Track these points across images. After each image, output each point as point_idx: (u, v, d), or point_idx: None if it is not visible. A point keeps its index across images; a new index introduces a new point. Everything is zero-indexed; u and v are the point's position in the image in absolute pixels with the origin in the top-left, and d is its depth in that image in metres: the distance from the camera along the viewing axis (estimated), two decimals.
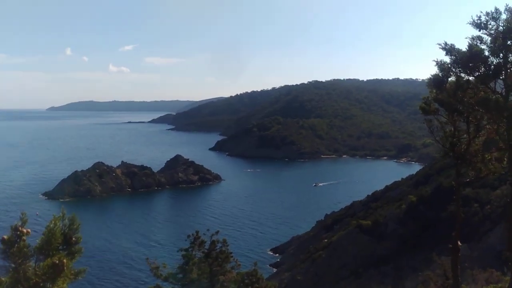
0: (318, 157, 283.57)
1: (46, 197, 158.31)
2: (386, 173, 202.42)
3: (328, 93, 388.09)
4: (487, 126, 9.15)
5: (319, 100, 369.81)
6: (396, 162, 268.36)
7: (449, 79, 8.88)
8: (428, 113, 10.42)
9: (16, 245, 4.26)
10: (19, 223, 4.34)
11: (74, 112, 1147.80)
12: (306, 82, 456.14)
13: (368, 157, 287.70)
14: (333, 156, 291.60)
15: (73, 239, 4.38)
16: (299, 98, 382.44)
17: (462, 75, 8.82)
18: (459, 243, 10.18)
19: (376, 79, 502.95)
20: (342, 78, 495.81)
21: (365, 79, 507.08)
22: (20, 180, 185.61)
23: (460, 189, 10.63)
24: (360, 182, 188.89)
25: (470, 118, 9.25)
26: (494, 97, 8.45)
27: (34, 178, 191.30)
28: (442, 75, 9.13)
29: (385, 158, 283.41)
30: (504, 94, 8.37)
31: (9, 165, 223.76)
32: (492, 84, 8.54)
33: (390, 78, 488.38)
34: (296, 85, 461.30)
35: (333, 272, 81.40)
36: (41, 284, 4.02)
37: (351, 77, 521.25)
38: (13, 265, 4.21)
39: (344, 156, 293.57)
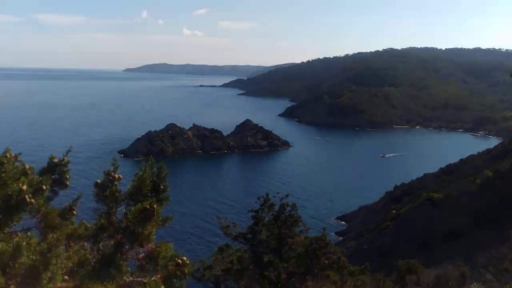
0: (390, 127, 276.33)
1: (122, 155, 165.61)
2: (461, 146, 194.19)
3: (403, 61, 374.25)
4: None
5: (394, 69, 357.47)
6: (473, 135, 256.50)
7: None
8: None
9: (109, 189, 4.42)
10: (112, 169, 4.50)
11: (148, 74, 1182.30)
12: (380, 49, 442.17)
13: (442, 128, 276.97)
14: (406, 126, 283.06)
15: (161, 187, 4.48)
16: (373, 65, 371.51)
17: None
18: None
19: (455, 48, 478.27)
20: (418, 46, 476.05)
21: (443, 48, 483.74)
22: (98, 138, 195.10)
23: None
24: (433, 154, 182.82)
25: None
26: None
27: (111, 136, 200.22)
28: None
29: (460, 130, 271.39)
30: None
31: (87, 123, 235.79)
32: None
33: (471, 47, 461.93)
34: (370, 52, 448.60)
35: (401, 244, 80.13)
36: (132, 228, 4.16)
37: (428, 46, 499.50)
38: (105, 208, 4.38)
39: (417, 127, 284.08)
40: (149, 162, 4.62)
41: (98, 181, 4.46)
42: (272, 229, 20.81)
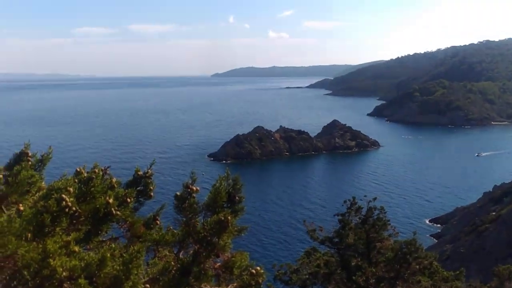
0: (487, 123, 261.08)
1: (212, 158, 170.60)
2: None
3: (501, 54, 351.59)
4: None
5: (491, 62, 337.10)
6: None
7: None
8: None
9: (187, 201, 4.66)
10: (190, 181, 4.74)
11: (235, 78, 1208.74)
12: (476, 42, 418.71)
13: None
14: (506, 122, 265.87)
15: (237, 198, 4.65)
16: (468, 59, 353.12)
17: None
18: None
19: None
20: None
21: None
22: (189, 141, 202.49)
23: None
24: None
25: None
26: None
27: (201, 140, 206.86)
28: None
29: None
30: None
31: (179, 127, 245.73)
32: None
33: None
34: (465, 45, 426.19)
35: (501, 248, 75.46)
36: (208, 238, 4.35)
37: None
38: (184, 219, 4.62)
39: None
40: (225, 173, 4.80)
41: (178, 193, 4.72)
42: (360, 233, 20.54)
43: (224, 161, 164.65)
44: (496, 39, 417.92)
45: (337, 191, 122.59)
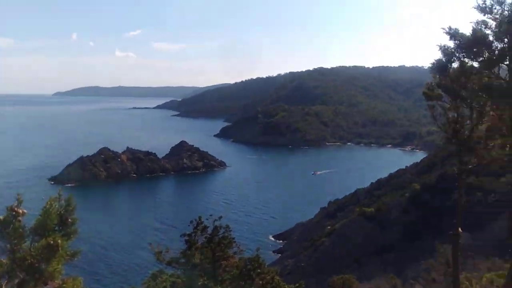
0: (323, 144, 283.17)
1: (53, 182, 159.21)
2: (390, 161, 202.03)
3: (333, 80, 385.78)
4: (491, 113, 9.04)
5: (325, 87, 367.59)
6: (401, 150, 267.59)
7: (453, 64, 8.77)
8: (431, 99, 10.33)
9: (12, 225, 4.25)
10: (15, 204, 4.34)
11: (79, 98, 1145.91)
12: (311, 68, 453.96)
13: (372, 144, 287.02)
14: (338, 143, 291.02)
15: (69, 220, 4.37)
16: (305, 85, 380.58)
17: (466, 60, 8.67)
18: (460, 230, 10.14)
19: (382, 66, 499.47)
20: (347, 65, 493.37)
21: (370, 66, 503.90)
22: (28, 164, 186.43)
23: (462, 176, 10.57)
24: (364, 170, 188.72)
25: (473, 104, 9.13)
26: (497, 83, 8.34)
27: (41, 163, 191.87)
28: (445, 60, 9.02)
29: (389, 146, 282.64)
30: (508, 79, 8.24)
31: (17, 149, 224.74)
32: (496, 70, 8.40)
33: (396, 65, 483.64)
34: (302, 71, 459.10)
35: (336, 260, 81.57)
36: (36, 265, 4.01)
37: (357, 64, 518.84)
38: (8, 246, 4.21)
39: (349, 143, 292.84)
40: (57, 194, 4.50)
41: (1, 217, 4.28)
42: (206, 252, 20.65)
43: (67, 184, 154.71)
44: (329, 67, 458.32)
45: (187, 211, 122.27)
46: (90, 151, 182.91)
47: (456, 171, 11.28)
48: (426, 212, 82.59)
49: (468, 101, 9.26)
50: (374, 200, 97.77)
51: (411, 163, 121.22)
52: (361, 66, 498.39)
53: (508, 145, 8.97)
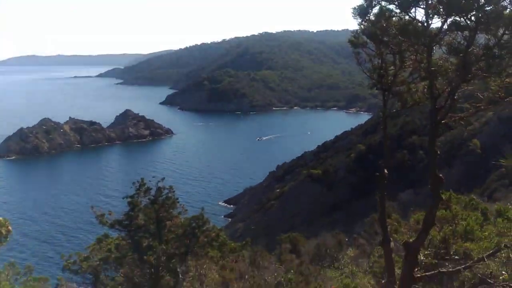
0: (269, 109, 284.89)
1: None
2: (336, 123, 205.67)
3: (279, 45, 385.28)
4: (412, 57, 9.38)
5: (270, 52, 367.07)
6: (346, 112, 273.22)
7: (374, 9, 8.94)
8: (357, 46, 10.57)
9: None
10: None
11: (16, 67, 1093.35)
12: (256, 33, 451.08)
13: (318, 108, 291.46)
14: (285, 108, 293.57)
15: None
16: (250, 50, 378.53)
17: (384, 3, 8.88)
18: (386, 171, 10.62)
19: (326, 30, 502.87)
20: (292, 30, 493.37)
21: (315, 30, 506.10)
22: None
23: (386, 119, 10.99)
24: (311, 133, 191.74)
25: (393, 47, 9.43)
26: (414, 25, 8.62)
27: None
28: (366, 4, 9.22)
29: (335, 108, 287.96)
30: (424, 21, 8.55)
31: None
32: (413, 12, 8.68)
33: (340, 29, 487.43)
34: (247, 36, 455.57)
35: (286, 221, 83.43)
36: None
37: (301, 29, 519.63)
38: None
39: (295, 107, 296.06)
40: None
41: None
42: (150, 213, 20.63)
43: (7, 158, 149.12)
44: (274, 31, 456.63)
45: (131, 180, 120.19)
46: (31, 122, 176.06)
47: (380, 114, 11.75)
48: (371, 171, 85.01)
49: (390, 45, 9.55)
50: (321, 162, 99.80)
51: (356, 125, 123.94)
52: (306, 31, 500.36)
53: (425, 87, 9.39)
